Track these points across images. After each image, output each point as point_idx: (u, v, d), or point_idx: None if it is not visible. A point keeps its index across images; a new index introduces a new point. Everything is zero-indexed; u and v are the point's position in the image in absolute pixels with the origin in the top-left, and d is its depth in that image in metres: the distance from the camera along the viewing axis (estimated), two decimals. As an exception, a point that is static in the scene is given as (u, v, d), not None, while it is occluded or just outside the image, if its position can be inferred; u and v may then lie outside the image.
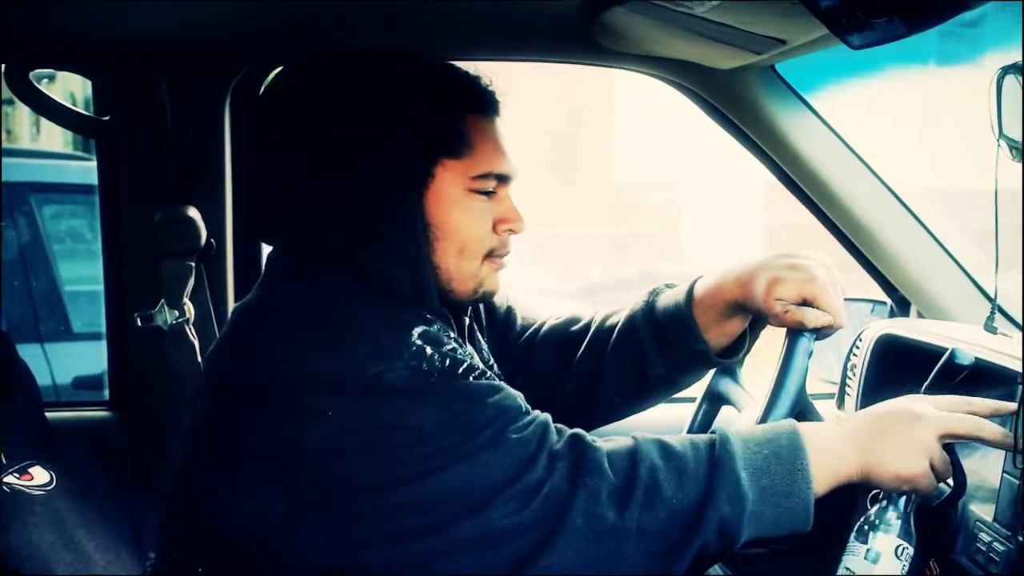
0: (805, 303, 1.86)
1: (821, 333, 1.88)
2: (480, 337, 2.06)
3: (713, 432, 1.66)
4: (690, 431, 2.13)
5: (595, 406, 2.11)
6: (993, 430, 1.72)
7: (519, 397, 1.66)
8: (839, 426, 1.72)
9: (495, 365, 2.05)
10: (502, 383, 1.66)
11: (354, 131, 1.70)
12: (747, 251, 10.26)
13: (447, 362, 1.60)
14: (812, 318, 1.84)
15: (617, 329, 2.08)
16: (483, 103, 1.80)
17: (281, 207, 1.76)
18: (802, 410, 1.85)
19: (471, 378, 1.62)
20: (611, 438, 1.65)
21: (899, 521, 1.75)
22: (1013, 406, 1.76)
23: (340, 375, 1.57)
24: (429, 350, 1.60)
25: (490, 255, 1.81)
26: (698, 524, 1.58)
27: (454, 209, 1.75)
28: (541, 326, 2.18)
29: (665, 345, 2.02)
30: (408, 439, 1.56)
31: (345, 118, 1.70)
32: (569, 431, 1.64)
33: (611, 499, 1.57)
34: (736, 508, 1.59)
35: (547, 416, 1.65)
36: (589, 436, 1.64)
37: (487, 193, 1.78)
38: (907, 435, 1.70)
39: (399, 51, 1.78)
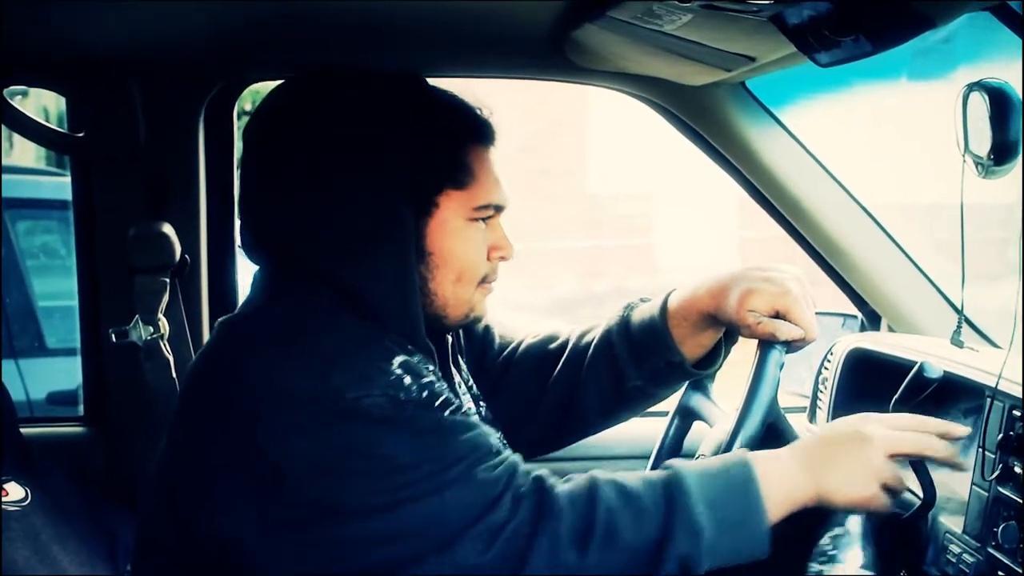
0: (778, 316, 1.87)
1: (792, 347, 1.89)
2: (460, 358, 2.07)
3: (667, 467, 1.66)
4: (661, 447, 2.15)
5: (573, 421, 2.12)
6: (940, 448, 1.73)
7: (492, 435, 1.65)
8: (790, 452, 1.72)
9: (474, 385, 2.06)
10: (476, 421, 1.67)
11: (358, 157, 1.70)
12: (721, 264, 10.24)
13: (424, 393, 1.60)
14: (784, 331, 1.85)
15: (593, 344, 2.09)
16: (484, 134, 1.82)
17: (275, 226, 1.76)
18: (774, 421, 1.86)
19: (446, 412, 1.62)
20: (571, 477, 1.65)
21: (857, 544, 1.76)
22: (966, 430, 1.78)
23: (318, 395, 1.57)
24: (408, 380, 1.60)
25: (483, 281, 1.83)
26: (658, 562, 1.58)
27: (455, 238, 1.77)
28: (519, 345, 2.19)
29: (641, 358, 2.03)
30: (380, 468, 1.56)
31: (350, 143, 1.71)
32: (534, 473, 1.63)
33: (572, 542, 1.56)
34: (694, 543, 1.58)
35: (517, 457, 1.65)
36: (551, 478, 1.63)
37: (484, 220, 1.81)
38: (857, 458, 1.70)
39: (399, 72, 1.80)
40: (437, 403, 1.62)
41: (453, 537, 1.55)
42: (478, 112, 1.83)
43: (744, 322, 1.88)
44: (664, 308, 2.01)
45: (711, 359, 2.06)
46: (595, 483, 1.61)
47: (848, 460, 1.70)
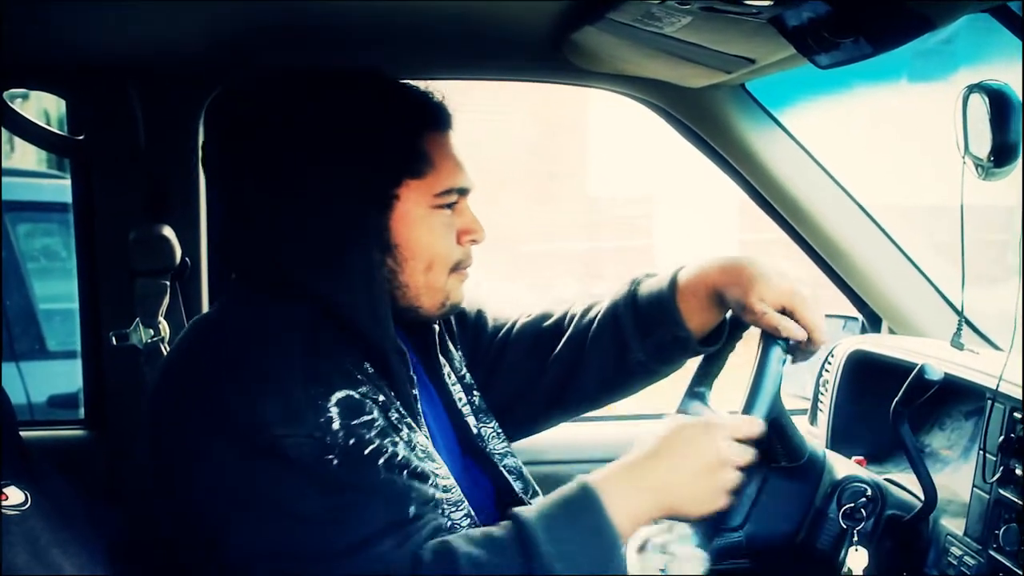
0: (784, 312, 1.86)
1: (800, 355, 1.89)
2: (452, 347, 2.06)
3: (509, 518, 1.62)
4: None
5: (573, 396, 2.11)
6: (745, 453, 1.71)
7: (412, 493, 1.62)
8: (630, 472, 1.68)
9: (467, 375, 2.06)
10: (395, 477, 1.61)
11: (311, 157, 1.70)
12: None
13: (351, 441, 1.58)
14: (787, 327, 1.84)
15: (598, 318, 2.08)
16: (438, 119, 1.81)
17: (238, 235, 1.77)
18: (777, 416, 1.86)
19: (379, 461, 1.59)
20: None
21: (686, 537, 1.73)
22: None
23: (245, 425, 1.57)
24: (337, 424, 1.57)
25: (456, 268, 1.83)
26: None
27: (420, 227, 1.76)
28: (514, 324, 2.18)
29: (646, 331, 2.02)
30: (279, 515, 1.56)
31: (302, 144, 1.70)
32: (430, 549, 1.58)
33: None
34: None
35: (424, 534, 1.60)
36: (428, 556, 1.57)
37: (449, 207, 1.79)
38: (700, 468, 1.67)
39: (351, 70, 1.78)
40: (366, 452, 1.59)
41: None
42: (431, 98, 1.82)
43: (751, 307, 1.87)
44: (673, 282, 2.00)
45: (714, 339, 2.04)
46: (455, 559, 1.57)
47: (697, 470, 1.67)
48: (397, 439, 1.65)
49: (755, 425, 1.74)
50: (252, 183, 1.73)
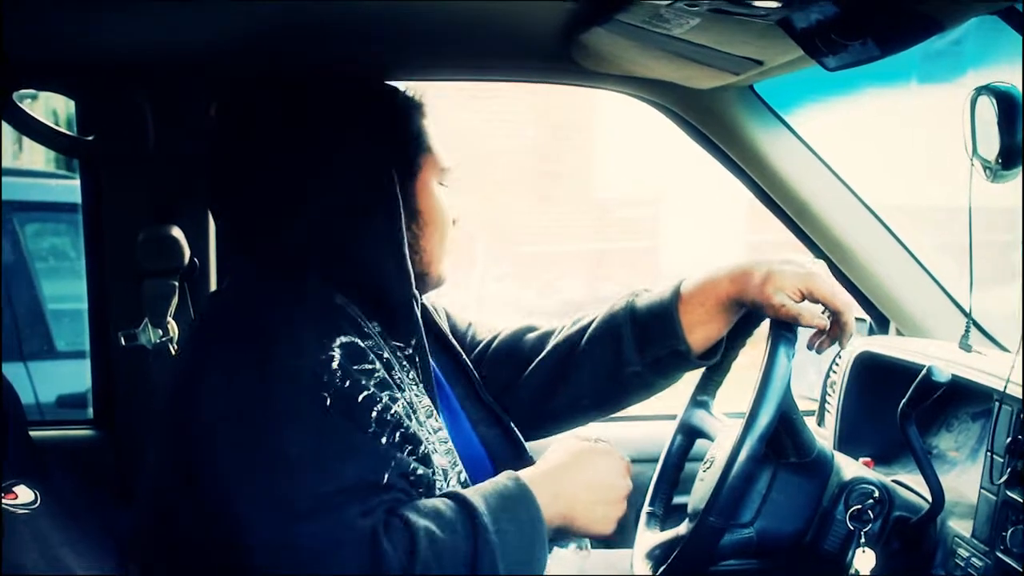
0: (803, 300, 1.88)
1: (833, 339, 1.93)
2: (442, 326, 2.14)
3: (454, 499, 1.67)
4: (665, 462, 2.17)
5: (561, 407, 2.13)
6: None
7: (392, 461, 1.64)
8: (548, 478, 1.78)
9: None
10: (380, 443, 1.64)
11: (347, 133, 1.82)
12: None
13: (347, 383, 1.62)
14: (809, 314, 1.86)
15: (593, 327, 2.10)
16: (423, 109, 1.96)
17: (258, 215, 1.83)
18: (787, 412, 1.86)
19: (372, 412, 1.63)
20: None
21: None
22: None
23: (255, 360, 1.62)
24: (336, 364, 1.62)
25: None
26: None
27: (435, 197, 1.92)
28: (495, 337, 2.22)
29: (645, 343, 2.03)
30: (272, 452, 1.58)
31: (338, 123, 1.82)
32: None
33: None
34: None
35: (387, 507, 1.64)
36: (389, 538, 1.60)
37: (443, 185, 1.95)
38: (603, 496, 1.80)
39: (343, 75, 1.94)
40: (359, 397, 1.62)
41: (294, 556, 1.56)
42: (405, 92, 1.97)
43: (769, 301, 1.88)
44: (676, 295, 2.01)
45: (712, 353, 2.05)
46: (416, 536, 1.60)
47: (595, 489, 1.79)
48: (396, 395, 1.69)
49: (629, 470, 1.87)
50: (284, 165, 1.81)
